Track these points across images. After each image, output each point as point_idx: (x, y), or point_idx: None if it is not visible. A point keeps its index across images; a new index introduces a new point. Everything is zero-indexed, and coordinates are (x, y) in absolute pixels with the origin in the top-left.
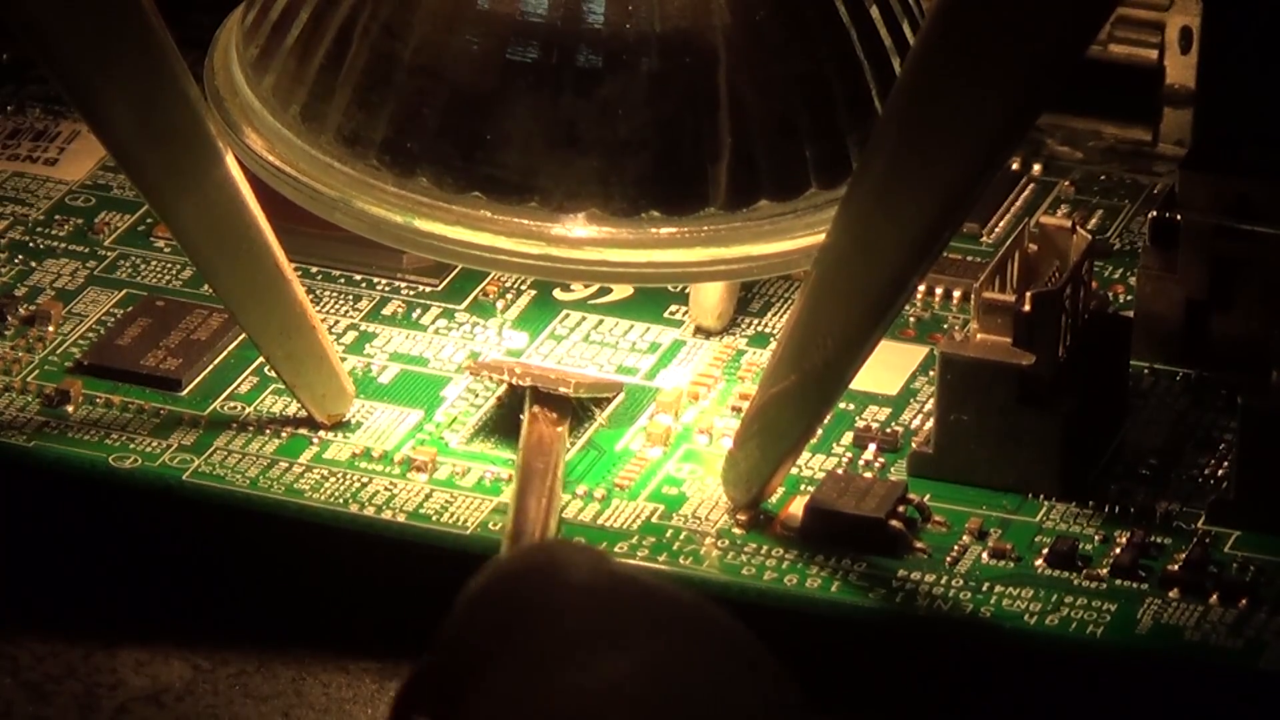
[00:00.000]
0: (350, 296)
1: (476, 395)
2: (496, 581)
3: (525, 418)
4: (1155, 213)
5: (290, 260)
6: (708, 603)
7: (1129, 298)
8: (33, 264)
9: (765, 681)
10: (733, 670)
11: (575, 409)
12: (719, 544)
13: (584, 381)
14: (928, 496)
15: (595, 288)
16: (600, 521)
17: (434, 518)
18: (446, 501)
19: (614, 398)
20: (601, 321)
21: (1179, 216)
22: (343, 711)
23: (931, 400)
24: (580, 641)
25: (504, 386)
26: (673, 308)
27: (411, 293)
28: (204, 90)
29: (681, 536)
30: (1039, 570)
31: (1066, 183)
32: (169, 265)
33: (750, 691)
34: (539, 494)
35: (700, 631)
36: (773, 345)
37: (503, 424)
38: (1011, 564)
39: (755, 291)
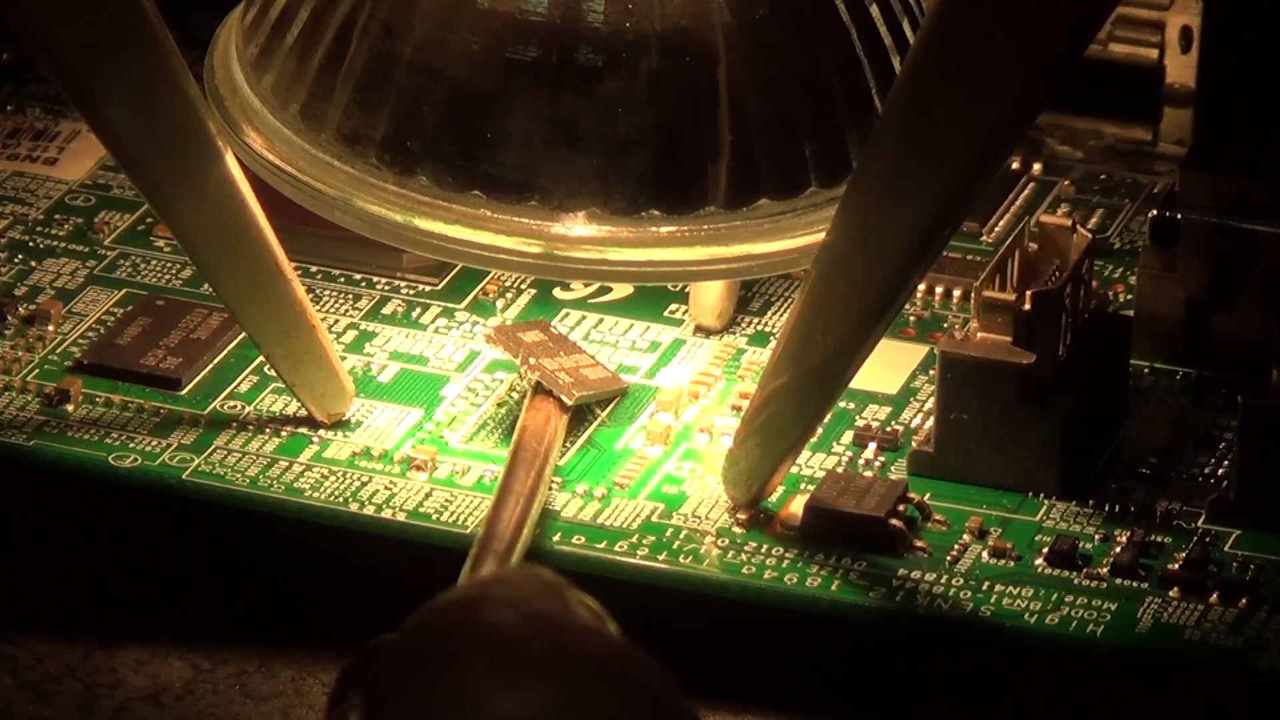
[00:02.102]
0: (350, 295)
1: (476, 394)
2: (442, 601)
3: (527, 401)
4: (1155, 212)
5: (290, 259)
6: (637, 651)
7: (1129, 297)
8: (33, 263)
9: None
10: (644, 717)
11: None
12: (719, 543)
13: (586, 393)
14: (928, 495)
15: (595, 286)
16: (600, 520)
17: (434, 517)
18: (446, 500)
19: (617, 398)
20: (601, 320)
21: (1179, 216)
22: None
23: (932, 399)
24: (498, 671)
25: (504, 386)
26: (673, 306)
27: (411, 292)
28: (204, 89)
29: (681, 535)
30: (1039, 569)
31: (1067, 182)
32: (169, 265)
33: None
34: (523, 479)
35: (618, 678)
36: (773, 344)
37: (503, 423)
38: (1012, 563)
39: (755, 290)
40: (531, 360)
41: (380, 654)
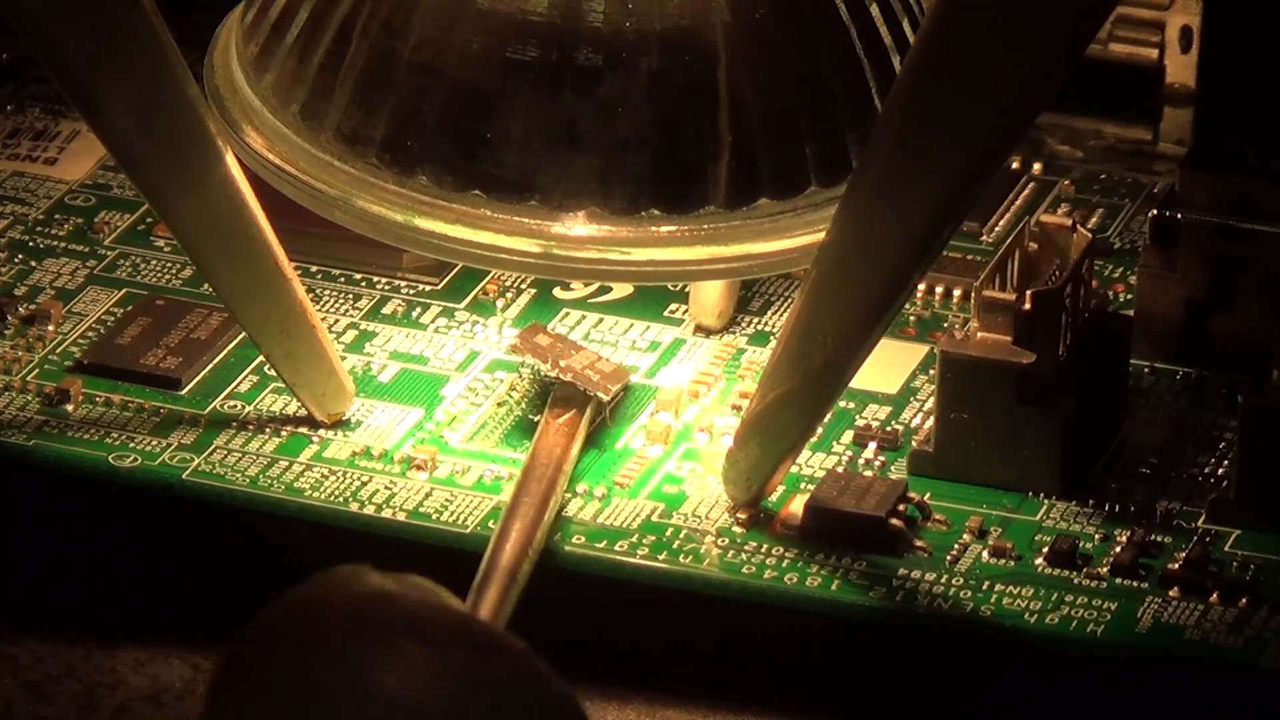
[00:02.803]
0: (350, 295)
1: (476, 394)
2: (307, 585)
3: (543, 419)
4: (1155, 211)
5: (290, 259)
6: (503, 633)
7: (1129, 297)
8: (33, 263)
9: (536, 698)
10: (512, 695)
11: (600, 415)
12: (719, 542)
13: (617, 385)
14: (928, 495)
15: (595, 286)
16: (600, 520)
17: (434, 516)
18: (446, 500)
19: (622, 393)
20: (601, 320)
21: (1179, 215)
22: None
23: (932, 399)
24: (359, 649)
25: (504, 385)
26: (673, 306)
27: (411, 291)
28: (204, 89)
29: (681, 535)
30: (1039, 569)
31: (1067, 181)
32: (169, 265)
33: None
34: (534, 498)
35: (485, 655)
36: (773, 343)
37: (503, 423)
38: (1012, 563)
39: (755, 290)
40: (562, 363)
41: (224, 660)
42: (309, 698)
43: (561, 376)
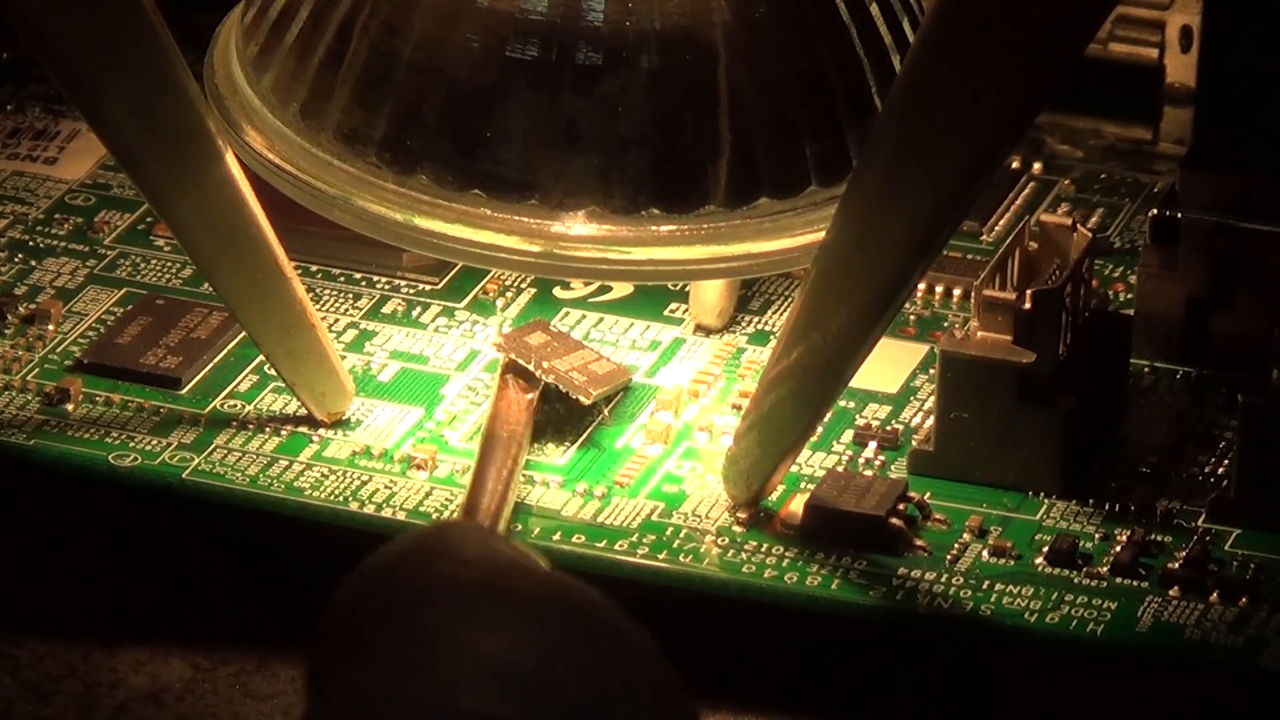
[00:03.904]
0: (350, 295)
1: (476, 393)
2: (381, 558)
3: (495, 385)
4: (1155, 211)
5: (290, 258)
6: (596, 592)
7: (1129, 296)
8: (33, 263)
9: (647, 672)
10: (615, 658)
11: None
12: (719, 542)
13: (601, 389)
14: (928, 494)
15: (595, 285)
16: (600, 519)
17: (434, 516)
18: (446, 499)
19: (622, 393)
20: (601, 319)
21: (1179, 215)
22: None
23: (932, 398)
24: (461, 615)
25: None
26: (673, 305)
27: (411, 291)
28: (204, 88)
29: (681, 534)
30: (1039, 568)
31: (1067, 181)
32: (169, 264)
33: (631, 682)
34: (499, 465)
35: (585, 616)
36: (773, 343)
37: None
38: (1012, 562)
39: (755, 289)
40: (545, 364)
41: (321, 625)
42: (441, 662)
43: (545, 378)
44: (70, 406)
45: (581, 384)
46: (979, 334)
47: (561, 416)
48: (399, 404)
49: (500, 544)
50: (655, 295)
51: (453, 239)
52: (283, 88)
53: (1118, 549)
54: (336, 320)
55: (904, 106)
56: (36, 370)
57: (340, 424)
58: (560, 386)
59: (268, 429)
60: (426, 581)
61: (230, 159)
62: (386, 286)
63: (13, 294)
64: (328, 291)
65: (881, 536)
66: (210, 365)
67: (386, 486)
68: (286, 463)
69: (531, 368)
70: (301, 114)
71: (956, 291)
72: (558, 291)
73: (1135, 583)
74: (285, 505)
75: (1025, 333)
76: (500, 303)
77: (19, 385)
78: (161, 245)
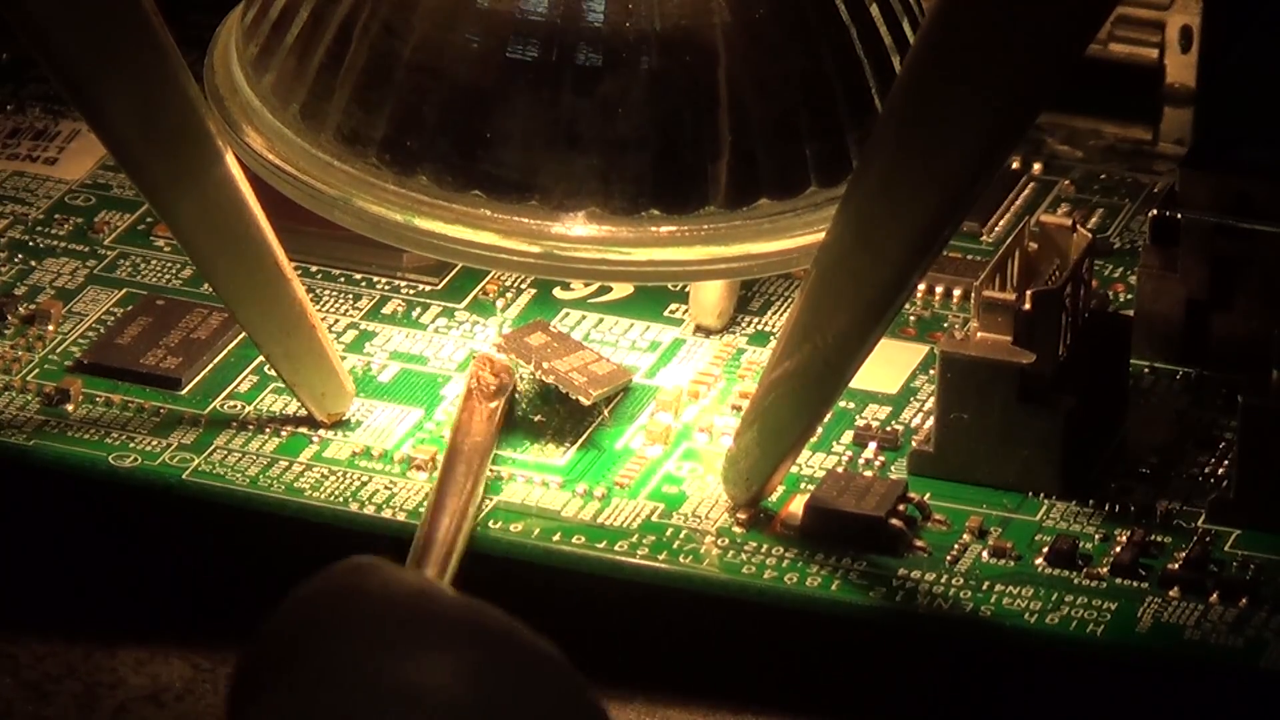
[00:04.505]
0: (350, 295)
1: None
2: (293, 599)
3: (460, 402)
4: (1155, 211)
5: (290, 259)
6: (500, 612)
7: (1129, 296)
8: (33, 263)
9: (558, 686)
10: (525, 674)
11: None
12: (719, 542)
13: (602, 390)
14: (928, 495)
15: (595, 286)
16: (600, 520)
17: (428, 506)
18: None
19: (622, 393)
20: (601, 320)
21: (1179, 215)
22: None
23: (932, 399)
24: (375, 648)
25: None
26: (673, 306)
27: (411, 291)
28: (204, 89)
29: (681, 535)
30: (1039, 569)
31: (1067, 181)
32: (169, 264)
33: (543, 696)
34: (460, 479)
35: (493, 636)
36: (773, 343)
37: (503, 422)
38: (1012, 563)
39: (755, 290)
40: (545, 365)
41: (236, 669)
42: (357, 695)
43: (544, 379)
44: (70, 407)
45: (582, 385)
46: (979, 335)
47: (562, 417)
48: (399, 405)
49: (406, 574)
50: (655, 296)
51: (453, 240)
52: (283, 88)
53: (1118, 550)
54: (336, 321)
55: (904, 107)
56: (36, 370)
57: (340, 425)
58: (561, 387)
59: (268, 430)
60: (338, 618)
61: (230, 160)
62: (386, 287)
63: (13, 294)
64: (328, 292)
65: (881, 537)
66: (210, 366)
67: (386, 487)
68: (286, 463)
69: (531, 369)
70: (301, 115)
71: (956, 292)
72: (558, 292)
73: (1135, 583)
74: (285, 506)
75: (1025, 333)
76: (500, 303)
77: (19, 386)
78: (161, 245)
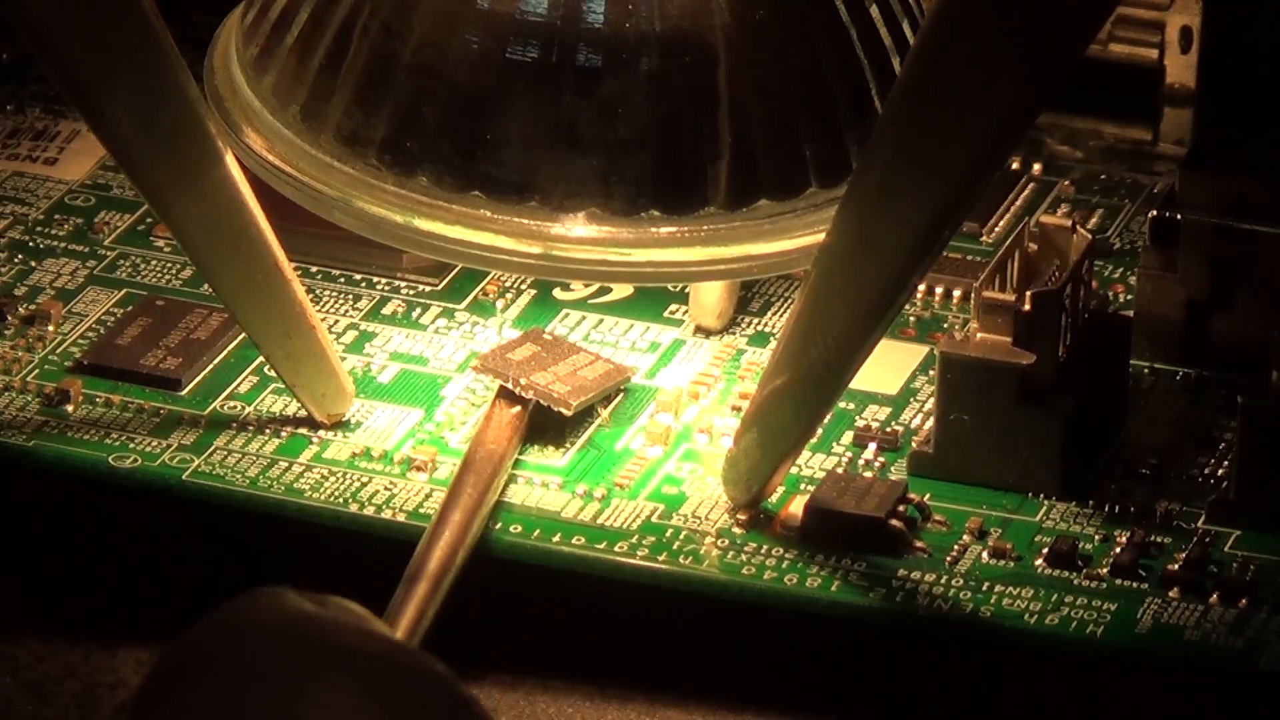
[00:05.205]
0: (350, 296)
1: (476, 394)
2: (220, 611)
3: (485, 410)
4: (1155, 212)
5: (290, 260)
6: (428, 659)
7: (1129, 297)
8: (33, 263)
9: (467, 714)
10: (431, 703)
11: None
12: (719, 543)
13: (585, 397)
14: (928, 496)
15: (595, 287)
16: (600, 521)
17: (434, 517)
18: None
19: (620, 394)
20: (601, 321)
21: (1179, 216)
22: None
23: (932, 400)
24: (281, 682)
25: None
26: (673, 307)
27: (411, 292)
28: (204, 90)
29: (681, 536)
30: (1039, 570)
31: (1066, 182)
32: (169, 265)
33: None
34: (470, 488)
35: (411, 684)
36: (773, 344)
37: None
38: (1011, 563)
39: (755, 291)
40: (523, 381)
41: (143, 686)
42: None
43: (524, 395)
44: (70, 407)
45: (562, 395)
46: (979, 335)
47: (562, 418)
48: (399, 405)
49: (308, 605)
50: (655, 297)
51: (453, 240)
52: (283, 89)
53: (1117, 550)
54: (336, 321)
55: (904, 108)
56: (36, 371)
57: (340, 425)
58: (541, 401)
59: (268, 430)
60: (240, 652)
61: (230, 160)
62: (386, 288)
63: (13, 294)
64: (328, 293)
65: (881, 538)
66: (210, 366)
67: (386, 488)
68: (286, 464)
69: (511, 386)
70: (301, 115)
71: (956, 293)
72: (557, 293)
73: (1135, 584)
74: (285, 507)
75: (1025, 334)
76: (500, 304)
77: (19, 386)
78: (161, 246)
